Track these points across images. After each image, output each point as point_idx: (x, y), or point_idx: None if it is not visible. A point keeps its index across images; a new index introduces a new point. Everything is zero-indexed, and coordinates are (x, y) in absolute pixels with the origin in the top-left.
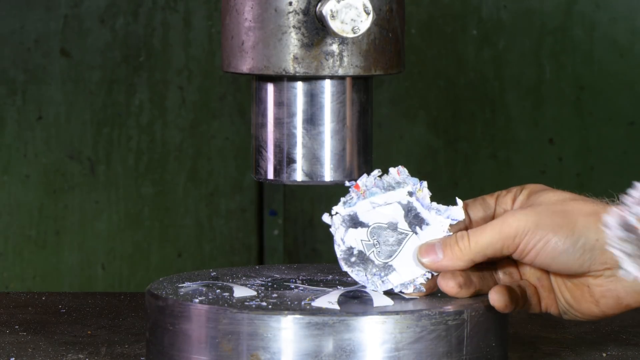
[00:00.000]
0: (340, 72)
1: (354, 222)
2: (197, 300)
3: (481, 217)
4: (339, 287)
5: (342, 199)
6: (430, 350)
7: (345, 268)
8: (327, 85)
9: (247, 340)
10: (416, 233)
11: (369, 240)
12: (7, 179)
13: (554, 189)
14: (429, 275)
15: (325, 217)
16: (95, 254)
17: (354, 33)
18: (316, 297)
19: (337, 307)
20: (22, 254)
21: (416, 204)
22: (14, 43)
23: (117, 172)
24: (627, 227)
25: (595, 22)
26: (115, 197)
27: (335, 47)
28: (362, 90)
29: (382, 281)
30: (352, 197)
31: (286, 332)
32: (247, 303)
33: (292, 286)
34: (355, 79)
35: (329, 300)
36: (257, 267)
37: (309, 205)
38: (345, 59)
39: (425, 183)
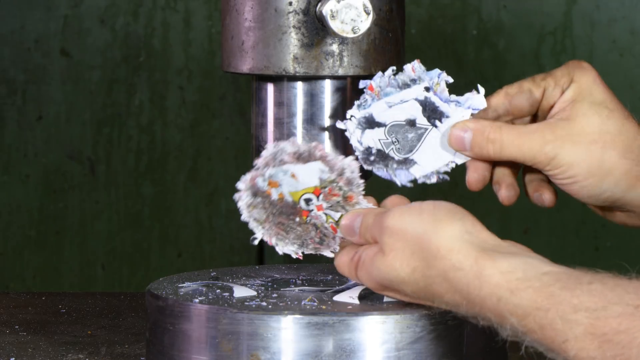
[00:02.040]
0: (340, 72)
1: (370, 123)
2: (197, 300)
3: (527, 109)
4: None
5: (356, 102)
6: (430, 350)
7: (365, 167)
8: (327, 85)
9: (247, 340)
10: (436, 126)
11: (387, 139)
12: (7, 179)
13: (604, 100)
14: (453, 165)
15: (339, 123)
16: (95, 254)
17: (354, 33)
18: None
19: (357, 301)
20: (22, 254)
21: (434, 99)
22: (14, 43)
23: (117, 172)
24: (257, 192)
25: (595, 22)
26: (115, 197)
27: (335, 47)
28: (362, 90)
29: (405, 173)
30: (367, 99)
31: (286, 332)
32: (247, 303)
33: (292, 286)
34: (355, 79)
35: (350, 295)
36: (257, 267)
37: None
38: (345, 59)
39: (443, 74)
